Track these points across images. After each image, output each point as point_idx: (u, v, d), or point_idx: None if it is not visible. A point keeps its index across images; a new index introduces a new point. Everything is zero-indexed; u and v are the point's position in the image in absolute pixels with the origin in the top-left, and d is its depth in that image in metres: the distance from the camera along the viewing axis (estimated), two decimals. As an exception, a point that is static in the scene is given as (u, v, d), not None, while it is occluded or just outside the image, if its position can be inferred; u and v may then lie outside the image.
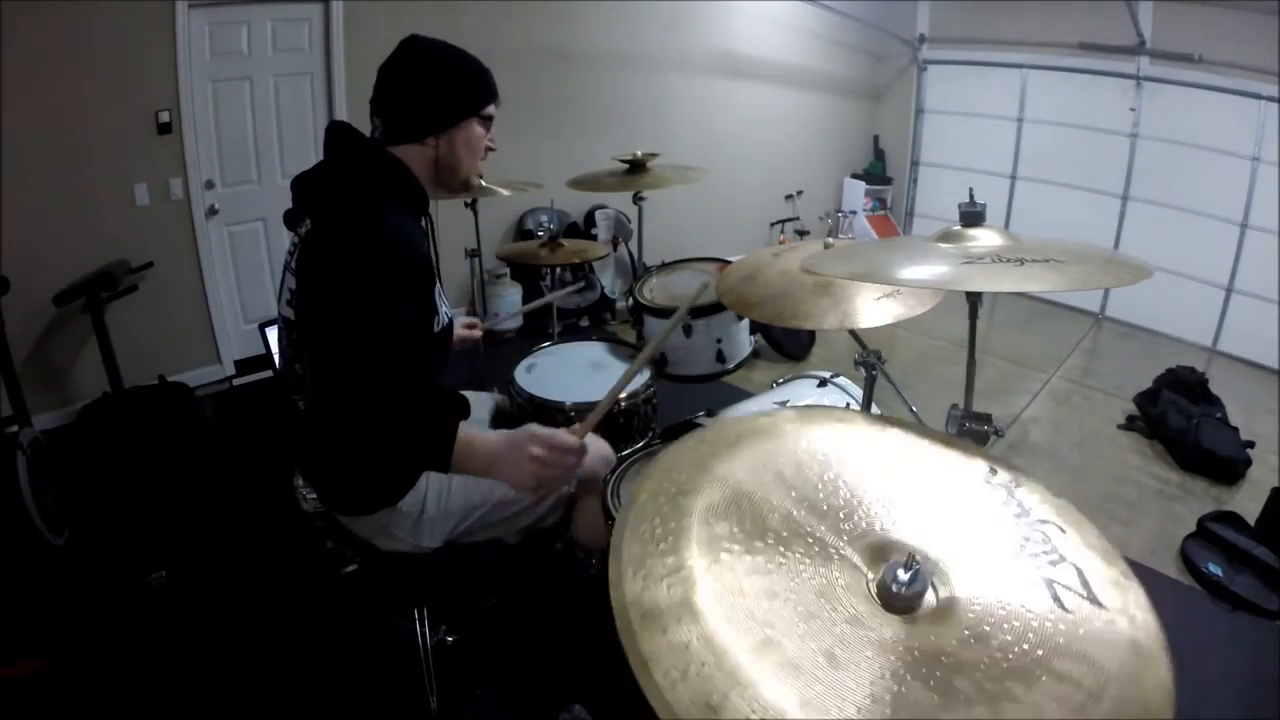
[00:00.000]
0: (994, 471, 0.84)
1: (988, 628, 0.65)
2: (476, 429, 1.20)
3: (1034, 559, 0.73)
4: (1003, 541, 0.75)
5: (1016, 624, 0.66)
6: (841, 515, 0.75)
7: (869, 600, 0.66)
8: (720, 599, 0.63)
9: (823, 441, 0.85)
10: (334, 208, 1.20)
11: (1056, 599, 0.69)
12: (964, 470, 0.84)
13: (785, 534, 0.71)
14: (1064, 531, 0.77)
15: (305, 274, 1.21)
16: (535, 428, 1.13)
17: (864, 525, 0.74)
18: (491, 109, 1.34)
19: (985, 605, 0.68)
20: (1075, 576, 0.71)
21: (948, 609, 0.67)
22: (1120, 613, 0.68)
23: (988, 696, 0.59)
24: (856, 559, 0.70)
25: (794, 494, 0.76)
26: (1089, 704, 0.60)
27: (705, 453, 0.81)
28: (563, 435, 1.10)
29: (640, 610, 0.61)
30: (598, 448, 1.56)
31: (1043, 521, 0.78)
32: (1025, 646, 0.64)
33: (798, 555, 0.69)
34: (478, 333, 1.82)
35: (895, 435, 0.89)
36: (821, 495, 0.77)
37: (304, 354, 1.25)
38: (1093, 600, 0.69)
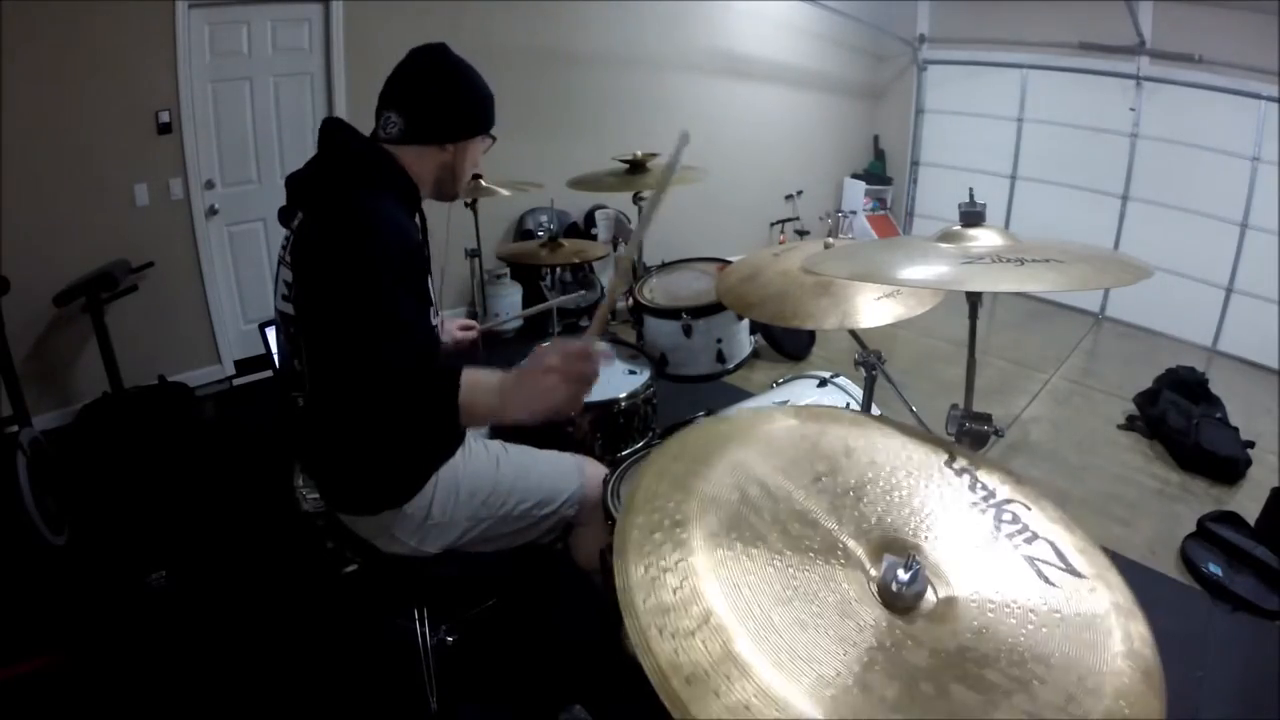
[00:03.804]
0: (952, 457, 0.84)
1: (991, 614, 0.66)
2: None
3: (1010, 540, 0.75)
4: (979, 527, 0.76)
5: (1016, 607, 0.67)
6: (833, 522, 0.74)
7: (880, 607, 0.65)
8: (759, 642, 0.59)
9: (789, 449, 0.82)
10: (325, 196, 1.22)
11: (1041, 575, 0.71)
12: (927, 460, 0.84)
13: (787, 551, 0.69)
14: (1029, 509, 0.79)
15: (300, 263, 1.23)
16: (541, 349, 1.10)
17: (853, 529, 0.73)
18: (493, 133, 1.42)
19: (981, 594, 0.68)
20: (1050, 550, 0.74)
21: (948, 604, 0.67)
22: (1097, 578, 0.71)
23: (1019, 684, 0.59)
24: (853, 566, 0.69)
25: (774, 508, 0.73)
26: (1102, 668, 0.61)
27: (682, 471, 0.76)
28: (573, 342, 1.06)
29: (682, 675, 0.56)
30: (592, 470, 1.56)
31: (1009, 501, 0.79)
32: (1030, 627, 0.65)
33: (804, 573, 0.67)
34: (474, 334, 1.78)
35: (855, 431, 0.88)
36: (805, 503, 0.75)
37: (302, 349, 1.25)
38: (1071, 571, 0.72)
